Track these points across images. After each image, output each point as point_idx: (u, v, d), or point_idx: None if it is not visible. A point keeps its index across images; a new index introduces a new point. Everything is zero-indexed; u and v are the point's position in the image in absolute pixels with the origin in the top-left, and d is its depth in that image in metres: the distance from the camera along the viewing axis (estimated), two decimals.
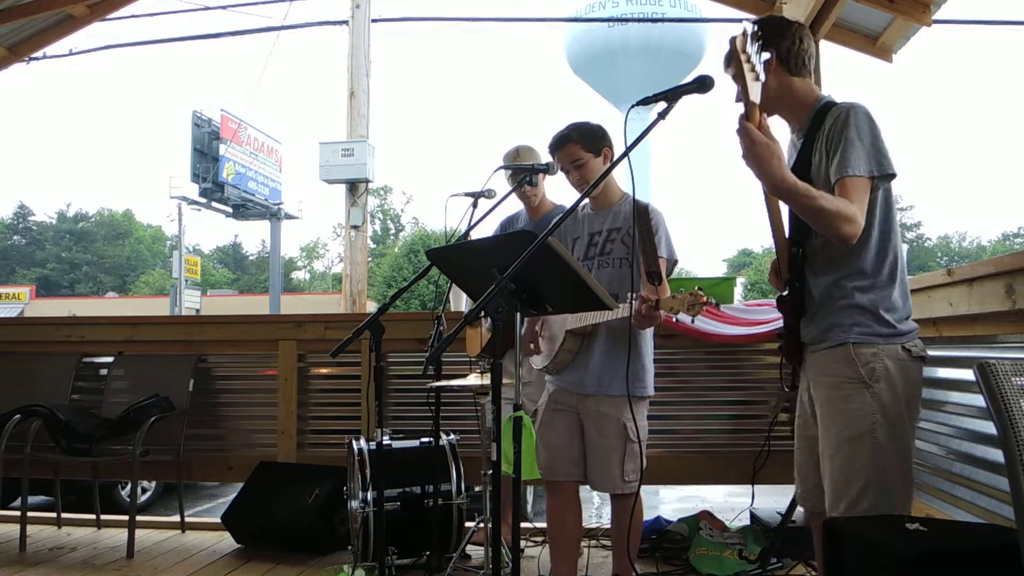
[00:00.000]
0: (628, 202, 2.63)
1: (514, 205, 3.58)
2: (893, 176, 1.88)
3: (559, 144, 2.62)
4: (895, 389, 1.88)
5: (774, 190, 1.84)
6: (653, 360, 2.67)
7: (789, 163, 2.01)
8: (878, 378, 1.88)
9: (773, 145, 1.80)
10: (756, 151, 1.79)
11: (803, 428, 2.09)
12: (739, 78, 1.82)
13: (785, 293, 2.07)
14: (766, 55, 1.99)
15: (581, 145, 2.59)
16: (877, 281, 1.92)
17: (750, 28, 1.80)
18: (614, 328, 2.50)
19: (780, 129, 2.07)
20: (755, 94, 1.84)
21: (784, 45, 2.00)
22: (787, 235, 2.05)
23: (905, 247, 4.19)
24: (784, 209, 2.01)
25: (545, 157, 3.02)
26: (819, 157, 1.93)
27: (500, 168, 3.41)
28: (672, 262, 2.59)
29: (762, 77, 1.85)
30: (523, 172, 3.17)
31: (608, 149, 2.63)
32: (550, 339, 2.65)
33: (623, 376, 2.43)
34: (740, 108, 1.88)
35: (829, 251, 1.96)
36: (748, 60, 1.81)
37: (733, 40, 1.82)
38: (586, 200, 2.74)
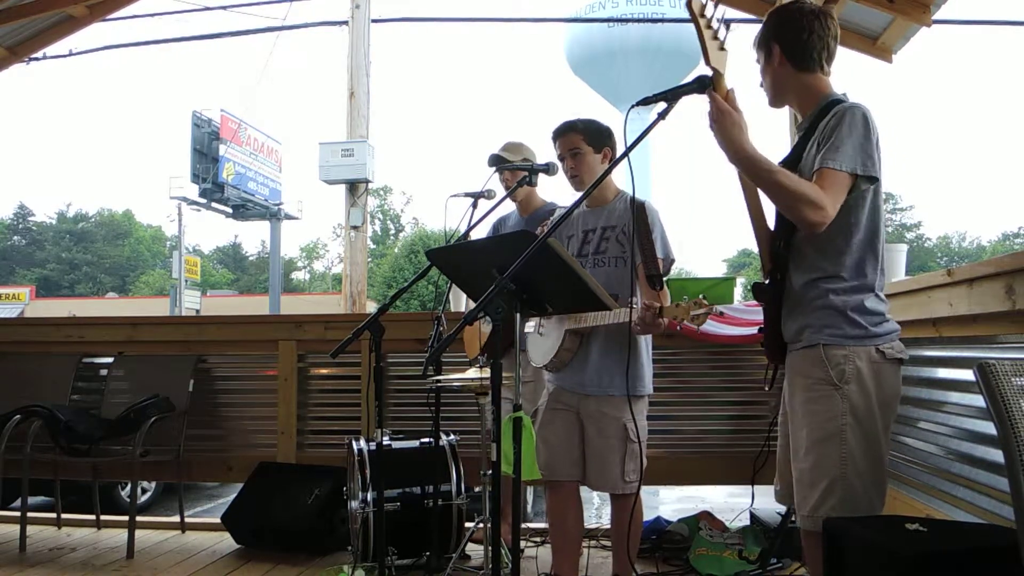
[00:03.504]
0: (623, 200, 2.63)
1: (511, 205, 3.59)
2: (875, 180, 1.86)
3: (563, 131, 2.66)
4: (867, 391, 1.88)
5: (733, 157, 1.84)
6: (652, 359, 2.67)
7: (785, 153, 2.02)
8: (848, 380, 1.87)
9: (736, 115, 1.83)
10: (719, 119, 1.81)
11: (784, 426, 2.09)
12: (700, 42, 1.83)
13: (766, 282, 2.06)
14: (773, 47, 1.99)
15: (583, 137, 2.62)
16: (853, 283, 1.91)
17: None
18: (612, 327, 2.50)
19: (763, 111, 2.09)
20: (717, 62, 1.85)
21: (790, 38, 1.98)
22: (773, 227, 2.05)
23: (905, 247, 4.20)
24: (769, 203, 2.00)
25: (539, 151, 3.02)
26: (810, 152, 1.92)
27: (501, 168, 3.41)
28: (669, 261, 2.59)
29: (727, 46, 1.86)
30: (523, 172, 3.17)
31: (609, 150, 2.65)
32: (550, 337, 2.65)
33: (622, 376, 2.43)
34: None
35: (810, 248, 1.95)
36: (708, 25, 1.81)
37: (689, 2, 1.82)
38: (568, 198, 2.76)
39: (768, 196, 1.88)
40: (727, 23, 1.86)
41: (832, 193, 1.80)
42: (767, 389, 2.15)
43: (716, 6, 1.83)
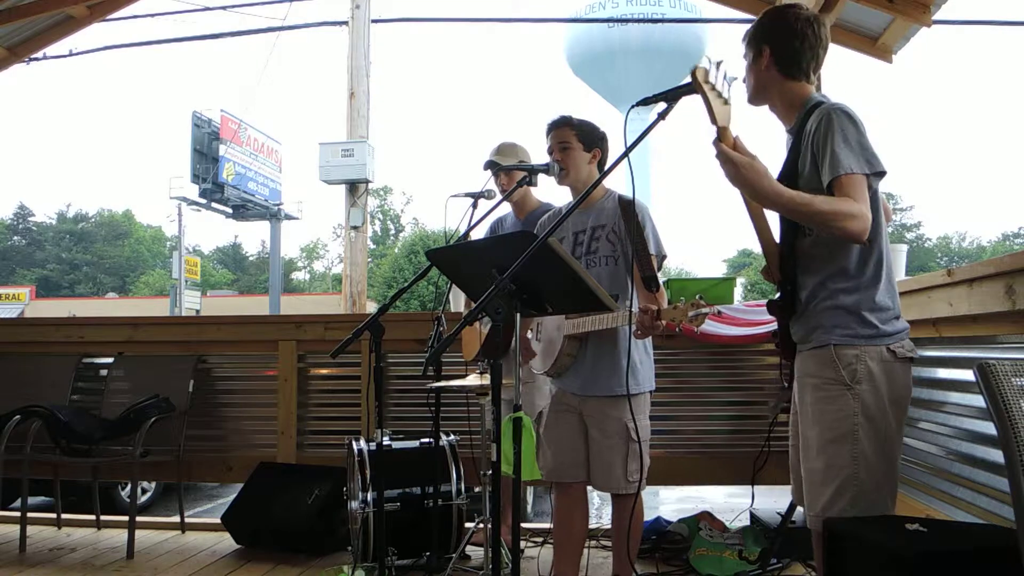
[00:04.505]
0: (612, 198, 2.64)
1: (508, 206, 3.59)
2: (883, 174, 1.86)
3: (556, 124, 2.69)
4: (878, 390, 1.88)
5: (770, 205, 1.85)
6: (653, 358, 2.67)
7: (780, 163, 2.02)
8: (860, 379, 1.87)
9: (756, 163, 1.80)
10: (743, 174, 1.79)
11: (795, 427, 2.09)
12: (706, 106, 1.82)
13: (777, 296, 2.07)
14: (763, 48, 1.99)
15: (576, 133, 2.64)
16: (861, 282, 1.91)
17: (714, 58, 1.82)
18: (609, 328, 2.49)
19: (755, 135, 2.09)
20: (723, 119, 1.84)
21: (781, 44, 1.98)
22: (778, 236, 2.05)
23: (905, 247, 4.20)
24: (772, 215, 2.01)
25: (538, 152, 3.01)
26: (804, 160, 1.92)
27: (497, 171, 3.41)
28: (661, 257, 2.59)
29: (731, 102, 1.85)
30: (521, 172, 3.17)
31: (599, 152, 2.67)
32: (548, 342, 2.65)
33: (621, 375, 2.43)
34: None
35: (815, 251, 1.95)
36: (713, 88, 1.81)
37: (694, 72, 1.81)
38: (565, 198, 2.77)
39: (810, 225, 1.89)
40: (730, 80, 1.85)
41: (860, 199, 1.79)
42: (785, 385, 2.15)
43: (719, 67, 1.83)
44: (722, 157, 1.81)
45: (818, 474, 1.91)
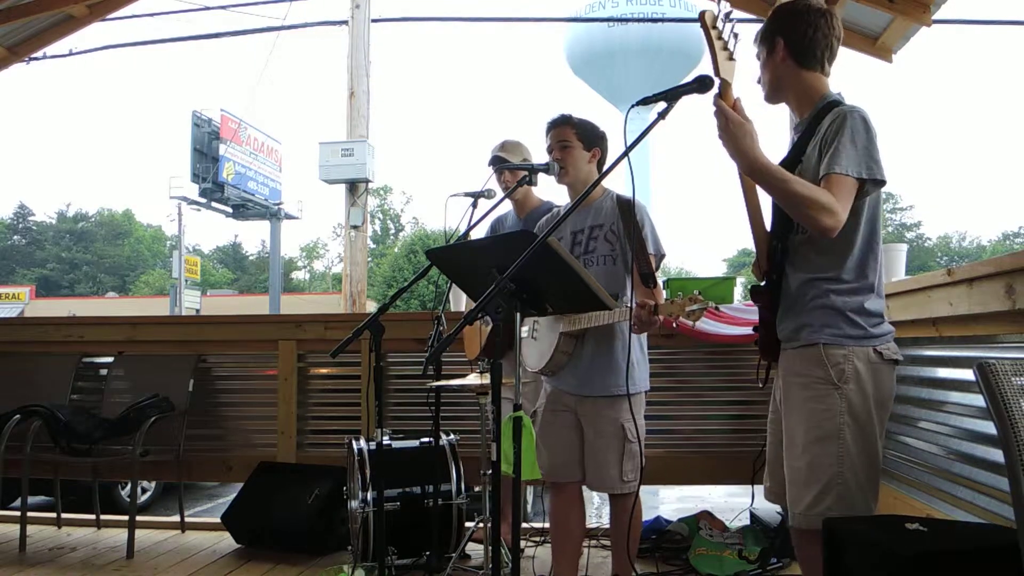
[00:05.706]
0: (610, 198, 2.64)
1: (509, 205, 3.59)
2: (882, 183, 1.86)
3: (556, 123, 2.69)
4: (864, 391, 1.88)
5: (747, 169, 1.84)
6: (650, 359, 2.67)
7: (784, 154, 2.02)
8: (847, 379, 1.88)
9: (747, 124, 1.81)
10: (730, 130, 1.80)
11: (775, 424, 2.09)
12: (710, 53, 1.83)
13: (762, 284, 2.07)
14: (777, 41, 1.99)
15: (576, 132, 2.65)
16: (855, 287, 1.91)
17: (725, 6, 1.82)
18: (605, 327, 2.49)
19: (758, 110, 2.09)
20: (727, 72, 1.85)
21: (795, 34, 1.98)
22: (770, 228, 2.05)
23: (905, 247, 4.20)
24: (766, 202, 2.01)
25: (538, 151, 3.02)
26: (811, 154, 1.92)
27: (501, 167, 3.41)
28: (660, 256, 2.60)
29: (736, 57, 1.86)
30: (523, 171, 3.17)
31: (599, 151, 2.67)
32: (544, 340, 2.65)
33: (617, 375, 2.43)
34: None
35: (809, 249, 1.95)
36: (719, 37, 1.82)
37: (702, 15, 1.82)
38: (565, 197, 2.78)
39: (781, 204, 1.88)
40: (736, 34, 1.86)
41: (842, 198, 1.79)
42: (761, 386, 2.15)
43: (727, 18, 1.84)
44: (719, 113, 1.82)
45: (802, 472, 1.92)
